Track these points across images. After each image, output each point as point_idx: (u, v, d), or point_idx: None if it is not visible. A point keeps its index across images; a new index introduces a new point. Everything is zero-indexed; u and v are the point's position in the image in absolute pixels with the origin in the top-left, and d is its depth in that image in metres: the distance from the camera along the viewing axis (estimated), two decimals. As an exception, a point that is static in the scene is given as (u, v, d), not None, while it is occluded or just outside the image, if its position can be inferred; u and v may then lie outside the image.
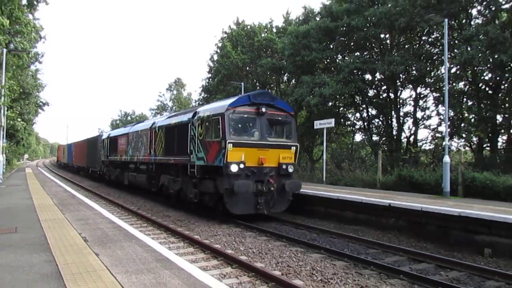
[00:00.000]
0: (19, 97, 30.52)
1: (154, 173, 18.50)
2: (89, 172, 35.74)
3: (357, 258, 8.68)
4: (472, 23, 23.61)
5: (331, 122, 22.19)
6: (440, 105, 23.95)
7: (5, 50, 20.46)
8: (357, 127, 32.97)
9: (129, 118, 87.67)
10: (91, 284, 4.95)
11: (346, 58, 30.87)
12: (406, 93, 30.76)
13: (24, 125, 37.03)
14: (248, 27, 47.52)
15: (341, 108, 32.85)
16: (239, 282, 7.13)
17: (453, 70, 22.47)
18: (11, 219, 9.89)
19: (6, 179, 25.87)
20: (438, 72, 25.10)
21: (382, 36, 30.02)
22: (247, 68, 46.37)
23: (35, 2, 23.77)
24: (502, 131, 21.84)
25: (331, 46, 32.41)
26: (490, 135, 21.42)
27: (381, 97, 29.58)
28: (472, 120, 21.92)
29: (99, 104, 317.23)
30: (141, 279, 5.16)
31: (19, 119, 31.57)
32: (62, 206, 12.52)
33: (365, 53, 30.99)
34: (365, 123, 30.80)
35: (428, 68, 24.91)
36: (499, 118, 21.19)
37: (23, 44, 23.05)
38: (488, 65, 20.19)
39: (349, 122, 33.82)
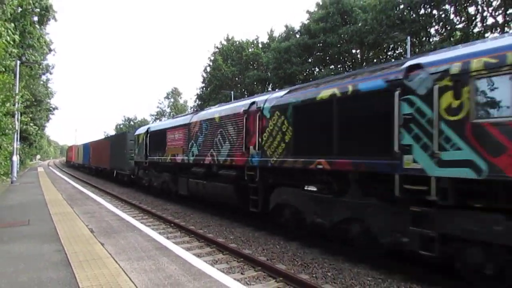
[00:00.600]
0: (31, 104, 29.98)
1: (258, 184, 10.09)
2: (114, 175, 27.06)
3: (333, 245, 8.69)
4: (431, 40, 24.02)
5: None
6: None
7: (18, 62, 20.09)
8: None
9: (131, 123, 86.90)
10: (96, 270, 4.87)
11: (322, 70, 31.14)
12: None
13: (37, 129, 36.44)
14: (237, 42, 47.71)
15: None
16: (230, 267, 7.10)
17: (415, 81, 22.83)
18: (24, 213, 9.70)
19: (20, 177, 25.35)
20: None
21: (353, 51, 30.44)
22: (236, 79, 46.49)
23: (45, 19, 23.37)
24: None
25: (309, 60, 32.72)
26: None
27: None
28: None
29: (104, 110, 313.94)
30: (142, 265, 5.10)
31: (31, 124, 31.02)
32: (71, 201, 12.33)
33: (339, 66, 31.35)
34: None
35: (393, 79, 25.36)
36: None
37: (34, 56, 22.68)
38: (445, 77, 20.60)
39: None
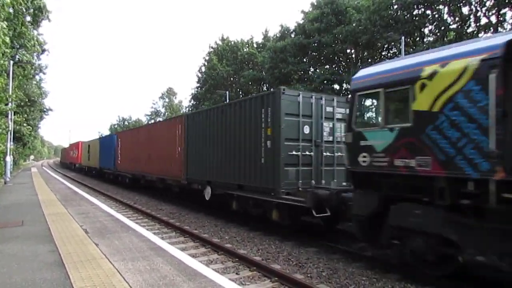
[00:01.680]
0: (25, 104, 29.75)
1: None
2: (207, 196, 12.40)
3: (327, 245, 8.72)
4: (425, 40, 24.17)
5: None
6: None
7: (12, 62, 19.94)
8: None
9: (126, 123, 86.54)
10: (91, 271, 4.86)
11: (317, 70, 31.22)
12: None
13: (30, 130, 36.15)
14: (232, 42, 47.74)
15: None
16: (225, 267, 7.10)
17: (409, 81, 23.04)
18: (18, 214, 9.64)
19: (13, 177, 25.16)
20: (396, 82, 25.76)
21: (348, 51, 30.55)
22: (231, 78, 46.49)
23: (39, 19, 23.18)
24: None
25: (305, 60, 32.79)
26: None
27: (347, 104, 30.47)
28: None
29: (98, 110, 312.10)
30: (136, 265, 5.09)
31: (25, 124, 30.75)
32: (65, 201, 12.27)
33: (334, 66, 31.47)
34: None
35: (387, 79, 25.62)
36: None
37: (26, 56, 22.51)
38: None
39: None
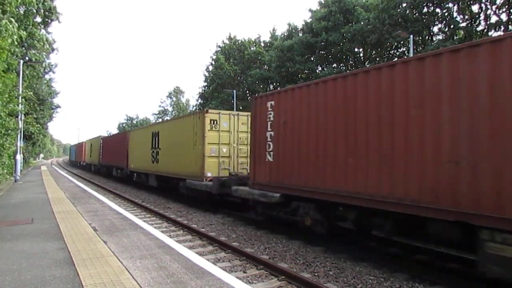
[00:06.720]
0: (35, 103, 30.04)
1: None
2: None
3: (334, 244, 8.67)
4: (434, 39, 23.94)
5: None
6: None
7: (21, 61, 20.11)
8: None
9: (134, 121, 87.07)
10: (99, 268, 4.90)
11: (325, 69, 31.10)
12: None
13: (40, 128, 36.49)
14: (239, 41, 47.72)
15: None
16: (232, 266, 7.11)
17: (418, 80, 22.82)
18: (27, 211, 9.74)
19: (23, 175, 25.46)
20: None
21: (356, 50, 30.38)
22: (238, 77, 46.50)
23: (48, 20, 23.36)
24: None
25: (312, 59, 32.68)
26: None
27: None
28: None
29: (106, 109, 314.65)
30: (144, 263, 5.12)
31: (34, 123, 31.05)
32: (74, 199, 12.37)
33: (341, 65, 31.32)
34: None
35: (396, 78, 25.37)
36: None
37: (37, 56, 22.69)
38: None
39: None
